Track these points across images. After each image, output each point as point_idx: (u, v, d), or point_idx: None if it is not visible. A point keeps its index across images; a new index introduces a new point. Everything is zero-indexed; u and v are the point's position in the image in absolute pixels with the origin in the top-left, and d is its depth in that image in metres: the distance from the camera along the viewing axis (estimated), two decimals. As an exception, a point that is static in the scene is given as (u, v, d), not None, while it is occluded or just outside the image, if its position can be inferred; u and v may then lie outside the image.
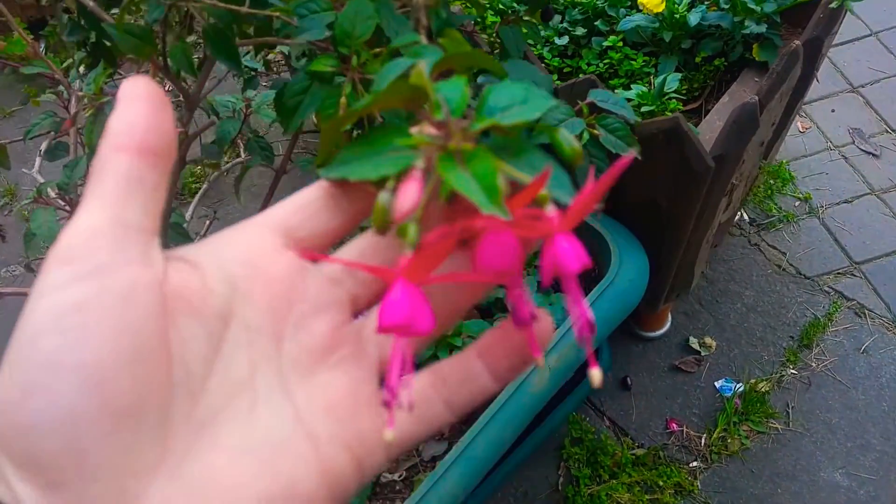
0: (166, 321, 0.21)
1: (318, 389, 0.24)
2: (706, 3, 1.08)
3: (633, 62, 1.09)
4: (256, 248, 0.25)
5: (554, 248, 0.22)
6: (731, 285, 1.42)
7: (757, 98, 0.91)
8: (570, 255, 0.22)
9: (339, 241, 0.27)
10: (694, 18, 1.05)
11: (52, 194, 0.82)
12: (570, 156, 0.25)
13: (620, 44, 1.11)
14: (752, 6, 1.02)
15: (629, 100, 1.05)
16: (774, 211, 1.50)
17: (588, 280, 1.12)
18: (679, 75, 1.04)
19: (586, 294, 1.04)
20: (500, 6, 1.05)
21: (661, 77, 1.03)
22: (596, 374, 0.22)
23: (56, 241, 0.20)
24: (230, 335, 0.23)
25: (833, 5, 1.00)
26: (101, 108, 0.61)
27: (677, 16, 1.06)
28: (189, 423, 0.21)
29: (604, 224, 1.06)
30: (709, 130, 1.03)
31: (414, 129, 0.25)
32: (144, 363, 0.20)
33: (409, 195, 0.23)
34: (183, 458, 0.21)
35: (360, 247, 0.26)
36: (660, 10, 1.06)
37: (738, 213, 1.47)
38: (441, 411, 0.25)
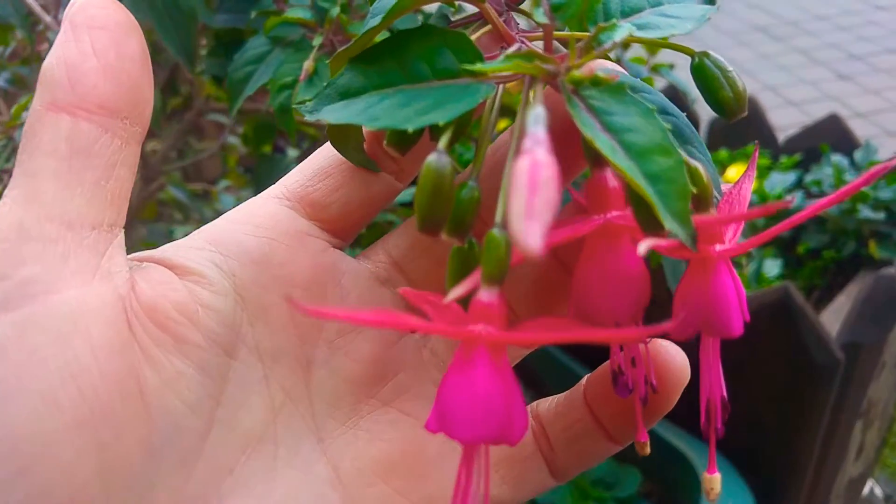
0: (134, 357, 0.15)
1: (365, 439, 0.18)
2: (806, 186, 0.91)
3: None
4: (271, 236, 0.18)
5: (712, 285, 0.14)
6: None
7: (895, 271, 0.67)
8: (730, 304, 0.14)
9: (371, 218, 0.20)
10: (794, 200, 0.87)
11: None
12: (730, 103, 0.18)
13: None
14: (865, 189, 0.83)
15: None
16: (919, 487, 1.13)
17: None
18: (780, 261, 0.83)
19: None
20: None
21: (757, 259, 0.83)
22: (716, 481, 0.16)
23: None
24: (237, 368, 0.17)
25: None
26: (11, 135, 0.47)
27: (771, 198, 0.88)
28: (182, 498, 0.16)
29: (684, 442, 0.77)
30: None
31: (475, 36, 0.17)
32: (98, 425, 0.14)
33: (541, 192, 0.12)
34: None
35: (410, 237, 0.19)
36: (749, 189, 0.89)
37: (871, 484, 1.11)
38: (541, 470, 0.19)
